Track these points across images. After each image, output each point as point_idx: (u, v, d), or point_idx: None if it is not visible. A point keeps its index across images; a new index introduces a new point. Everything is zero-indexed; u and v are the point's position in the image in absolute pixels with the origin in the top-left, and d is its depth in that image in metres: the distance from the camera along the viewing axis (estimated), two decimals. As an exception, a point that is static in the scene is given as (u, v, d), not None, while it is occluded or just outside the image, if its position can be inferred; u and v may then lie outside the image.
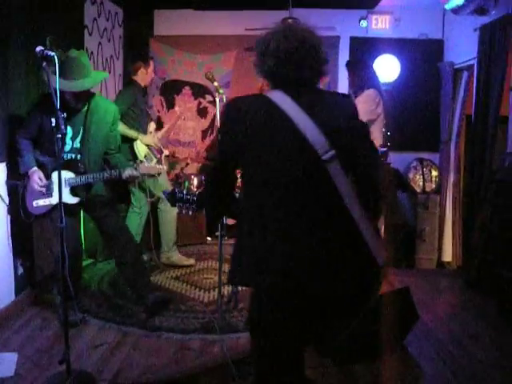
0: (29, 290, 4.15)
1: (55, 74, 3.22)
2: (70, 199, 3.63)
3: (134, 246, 3.99)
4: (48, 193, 3.63)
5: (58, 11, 4.53)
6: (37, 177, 3.56)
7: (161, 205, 5.16)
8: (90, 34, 5.39)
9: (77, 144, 3.67)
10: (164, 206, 5.12)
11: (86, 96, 3.64)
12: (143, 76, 4.97)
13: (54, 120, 2.73)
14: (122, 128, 4.58)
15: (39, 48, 2.80)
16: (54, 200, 3.59)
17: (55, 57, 2.81)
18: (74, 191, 3.66)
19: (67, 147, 3.65)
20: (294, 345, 2.00)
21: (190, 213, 2.44)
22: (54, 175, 3.56)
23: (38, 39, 4.03)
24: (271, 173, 1.88)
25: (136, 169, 3.67)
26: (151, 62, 5.05)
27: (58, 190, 2.82)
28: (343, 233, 1.88)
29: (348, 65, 5.13)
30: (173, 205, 2.42)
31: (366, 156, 1.99)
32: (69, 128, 3.61)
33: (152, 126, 5.16)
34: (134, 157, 4.79)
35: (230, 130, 1.96)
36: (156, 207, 5.21)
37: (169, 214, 5.17)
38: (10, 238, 3.92)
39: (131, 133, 4.78)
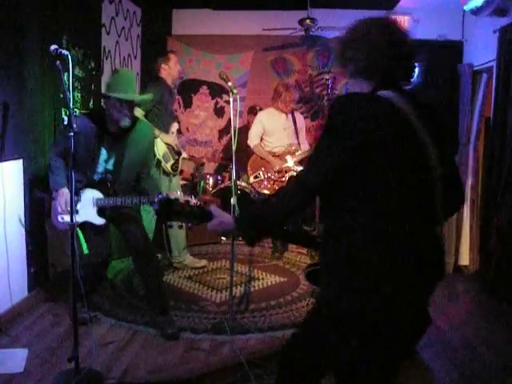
0: (41, 287, 4.17)
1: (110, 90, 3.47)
2: (96, 220, 3.59)
3: (153, 261, 3.88)
4: (75, 210, 3.58)
5: (76, 10, 4.56)
6: (66, 198, 3.49)
7: None
8: (108, 33, 5.42)
9: (110, 166, 3.64)
10: None
11: (132, 115, 3.60)
12: (166, 72, 4.95)
13: (66, 118, 2.75)
14: None
15: (53, 47, 2.82)
16: (80, 218, 3.50)
17: (69, 55, 2.82)
18: (101, 212, 3.62)
19: (100, 168, 3.62)
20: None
21: (190, 225, 2.23)
22: (83, 193, 3.55)
23: (55, 38, 4.06)
24: (395, 181, 1.74)
25: None
26: (171, 56, 4.98)
27: (75, 195, 2.91)
28: (440, 242, 1.86)
29: None
30: (167, 218, 2.11)
31: (456, 171, 1.98)
32: (103, 149, 3.59)
33: (175, 126, 5.10)
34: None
35: (353, 132, 1.72)
36: None
37: None
38: (24, 234, 3.95)
39: None
